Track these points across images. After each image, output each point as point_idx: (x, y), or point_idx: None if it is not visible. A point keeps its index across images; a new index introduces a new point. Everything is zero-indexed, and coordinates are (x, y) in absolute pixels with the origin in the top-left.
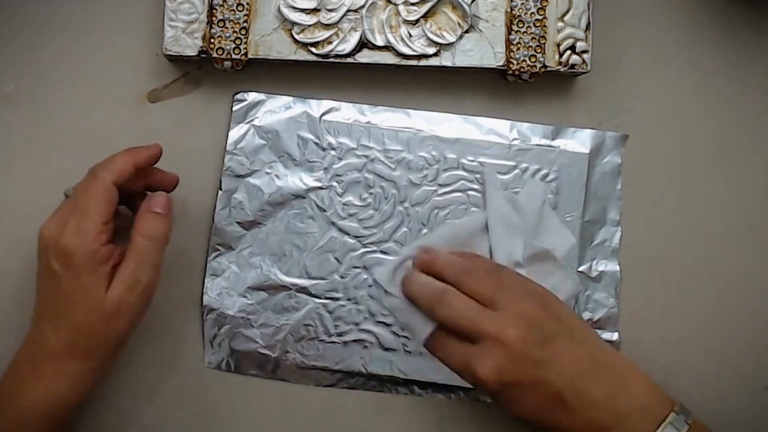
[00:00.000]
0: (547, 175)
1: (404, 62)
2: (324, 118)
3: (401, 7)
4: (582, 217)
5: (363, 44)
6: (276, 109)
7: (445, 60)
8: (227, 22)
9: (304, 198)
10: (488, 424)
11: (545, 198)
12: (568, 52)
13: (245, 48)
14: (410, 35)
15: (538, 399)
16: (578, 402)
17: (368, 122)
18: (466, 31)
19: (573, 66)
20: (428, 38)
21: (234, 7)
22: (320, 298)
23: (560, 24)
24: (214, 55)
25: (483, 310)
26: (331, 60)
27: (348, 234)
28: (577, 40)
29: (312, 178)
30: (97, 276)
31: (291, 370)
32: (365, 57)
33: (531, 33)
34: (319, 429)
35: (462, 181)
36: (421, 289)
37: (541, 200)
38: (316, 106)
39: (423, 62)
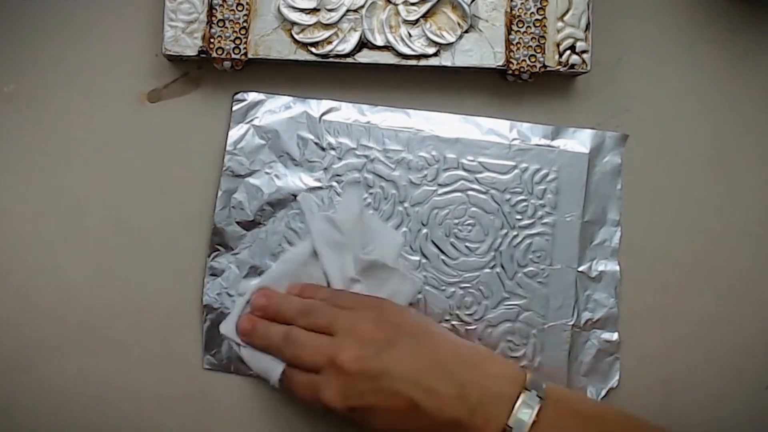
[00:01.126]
0: (547, 174)
1: (404, 62)
2: (324, 118)
3: (401, 7)
4: (582, 217)
5: (363, 44)
6: (276, 109)
7: (445, 60)
8: (227, 22)
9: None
10: None
11: (362, 204)
12: (568, 52)
13: (245, 48)
14: (410, 35)
15: (390, 409)
16: (428, 401)
17: (368, 122)
18: (466, 31)
19: (573, 66)
20: (428, 38)
21: (234, 7)
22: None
23: (560, 24)
24: (214, 55)
25: (322, 340)
26: (331, 60)
27: None
28: (577, 40)
29: (312, 178)
30: None
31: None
32: (365, 57)
33: (531, 33)
34: (319, 429)
35: (462, 181)
36: (269, 333)
37: (358, 208)
38: (316, 106)
39: (423, 62)
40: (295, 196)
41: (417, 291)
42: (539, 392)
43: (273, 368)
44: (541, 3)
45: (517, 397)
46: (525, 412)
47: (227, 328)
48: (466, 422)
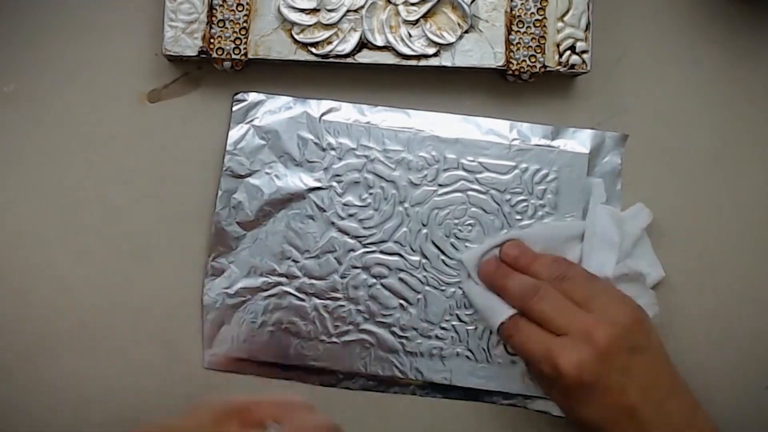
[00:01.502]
0: (547, 175)
1: (404, 62)
2: (324, 118)
3: (401, 8)
4: (582, 217)
5: (363, 44)
6: (276, 109)
7: (445, 60)
8: (227, 22)
9: (304, 198)
10: (487, 425)
11: (648, 223)
12: (568, 52)
13: (245, 48)
14: (410, 35)
15: (610, 406)
16: (650, 417)
17: (368, 122)
18: (466, 32)
19: (573, 66)
20: (428, 38)
21: (234, 7)
22: (320, 298)
23: (560, 24)
24: (214, 55)
25: (577, 309)
26: (331, 60)
27: (348, 234)
28: (577, 40)
29: (312, 178)
30: None
31: (291, 370)
32: (365, 57)
33: (531, 33)
34: None
35: (462, 181)
36: (516, 280)
37: (645, 225)
38: (316, 106)
39: (423, 62)
40: (295, 196)
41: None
42: None
43: (501, 310)
44: (541, 3)
45: None
46: None
47: (469, 257)
48: None
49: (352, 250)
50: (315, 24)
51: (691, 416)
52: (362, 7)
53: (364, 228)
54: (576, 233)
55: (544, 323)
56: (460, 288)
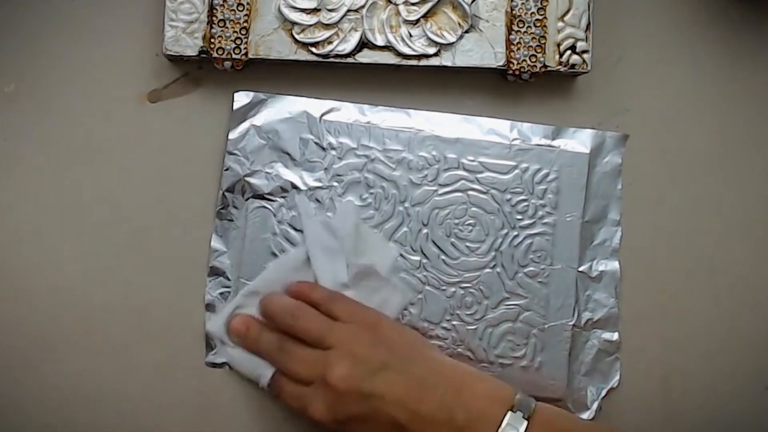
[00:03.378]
0: (547, 174)
1: (404, 62)
2: (324, 118)
3: (401, 7)
4: (582, 217)
5: (363, 44)
6: (276, 109)
7: (446, 60)
8: (227, 22)
9: (304, 198)
10: None
11: (358, 217)
12: (569, 52)
13: (245, 48)
14: (410, 35)
15: (376, 429)
16: (414, 423)
17: (368, 122)
18: (467, 31)
19: (573, 66)
20: (428, 38)
21: (234, 7)
22: None
23: (560, 24)
24: (215, 55)
25: (316, 354)
26: (331, 60)
27: None
28: (577, 40)
29: (312, 178)
30: None
31: None
32: (365, 57)
33: (531, 33)
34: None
35: (462, 181)
36: (263, 339)
37: (355, 219)
38: (316, 106)
39: (423, 62)
40: (285, 190)
41: (406, 303)
42: (526, 413)
43: (263, 372)
44: (541, 3)
45: (503, 418)
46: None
47: (214, 325)
48: None
49: None
50: (315, 24)
51: (450, 409)
52: (363, 6)
53: None
54: (301, 258)
55: (293, 377)
56: (461, 288)
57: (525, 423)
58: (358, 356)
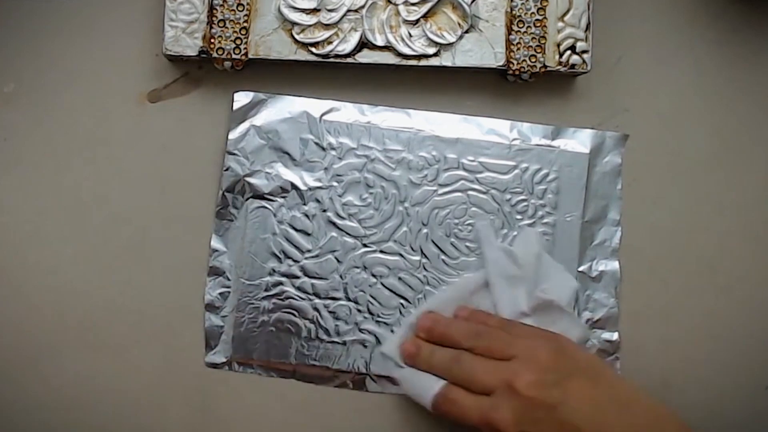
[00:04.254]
0: (547, 174)
1: (404, 62)
2: (324, 118)
3: (401, 7)
4: (582, 217)
5: (363, 44)
6: (276, 109)
7: (445, 60)
8: (227, 22)
9: (304, 198)
10: None
11: (541, 245)
12: (568, 52)
13: (245, 48)
14: (410, 35)
15: None
16: None
17: (368, 122)
18: (466, 31)
19: (573, 66)
20: (428, 38)
21: (234, 7)
22: (320, 298)
23: (560, 24)
24: (215, 55)
25: (497, 363)
26: (331, 60)
27: (348, 234)
28: (577, 40)
29: (312, 178)
30: None
31: (291, 369)
32: (365, 57)
33: (531, 33)
34: (318, 429)
35: (462, 181)
36: (437, 355)
37: (537, 248)
38: (316, 106)
39: (423, 62)
40: (285, 190)
41: (586, 339)
42: None
43: (430, 386)
44: (541, 3)
45: None
46: None
47: (389, 348)
48: None
49: (353, 249)
50: (315, 24)
51: (637, 425)
52: (362, 7)
53: (365, 228)
54: (480, 282)
55: (472, 387)
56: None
57: None
58: (543, 364)
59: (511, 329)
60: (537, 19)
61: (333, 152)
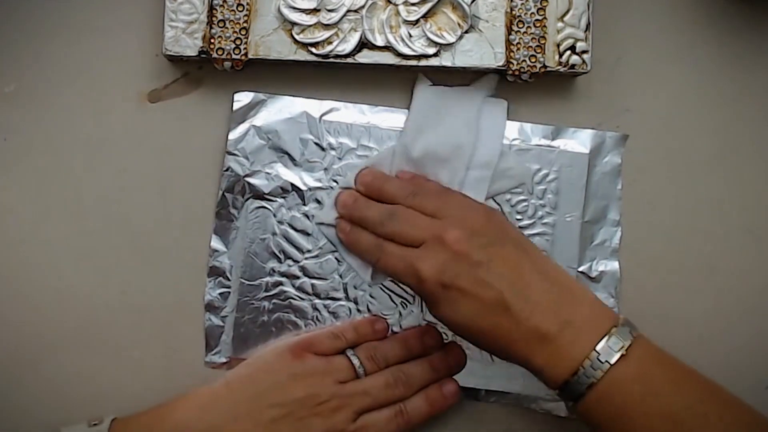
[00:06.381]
0: (547, 175)
1: (404, 62)
2: (324, 118)
3: (401, 8)
4: (582, 217)
5: (363, 44)
6: (276, 109)
7: (445, 60)
8: (227, 22)
9: (304, 198)
10: (487, 425)
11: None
12: (568, 52)
13: (245, 48)
14: (410, 35)
15: (476, 301)
16: (520, 305)
17: (368, 122)
18: (466, 32)
19: (573, 66)
20: (428, 38)
21: (234, 8)
22: (320, 298)
23: (560, 24)
24: (215, 55)
25: (431, 219)
26: (331, 60)
27: None
28: (577, 40)
29: (312, 178)
30: None
31: None
32: (365, 57)
33: (531, 33)
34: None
35: None
36: (373, 209)
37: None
38: (316, 106)
39: (423, 62)
40: (285, 190)
41: (524, 180)
42: (632, 330)
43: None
44: (541, 3)
45: (611, 327)
46: (616, 342)
47: (324, 214)
48: (552, 335)
49: None
50: (315, 24)
51: (558, 302)
52: (362, 7)
53: None
54: (426, 150)
55: (403, 240)
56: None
57: (631, 338)
58: (474, 227)
59: (447, 194)
60: (537, 20)
61: (333, 152)
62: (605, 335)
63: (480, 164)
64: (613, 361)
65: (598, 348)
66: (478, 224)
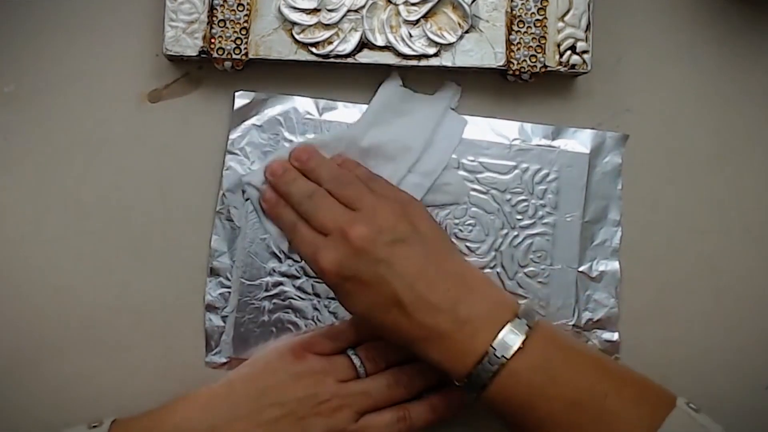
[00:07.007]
0: (547, 175)
1: (404, 62)
2: (324, 118)
3: (401, 7)
4: (582, 217)
5: (363, 44)
6: (276, 109)
7: (446, 60)
8: (228, 22)
9: None
10: (487, 424)
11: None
12: (569, 52)
13: (246, 48)
14: (410, 35)
15: (375, 297)
16: (415, 305)
17: None
18: (467, 31)
19: (573, 66)
20: (428, 38)
21: (234, 7)
22: (320, 298)
23: (560, 24)
24: (215, 55)
25: (343, 209)
26: (332, 60)
27: None
28: (577, 40)
29: None
30: None
31: None
32: (365, 57)
33: (531, 33)
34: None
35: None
36: (298, 185)
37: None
38: (317, 106)
39: (423, 62)
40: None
41: (461, 197)
42: (529, 322)
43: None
44: (541, 3)
45: (507, 322)
46: (511, 337)
47: (253, 175)
48: (449, 334)
49: None
50: (315, 24)
51: (455, 301)
52: (363, 7)
53: None
54: (372, 141)
55: (313, 225)
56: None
57: (526, 329)
58: (381, 223)
59: (373, 184)
60: (537, 19)
61: None
62: (502, 328)
63: (422, 171)
64: (509, 355)
65: (494, 344)
66: (390, 220)
